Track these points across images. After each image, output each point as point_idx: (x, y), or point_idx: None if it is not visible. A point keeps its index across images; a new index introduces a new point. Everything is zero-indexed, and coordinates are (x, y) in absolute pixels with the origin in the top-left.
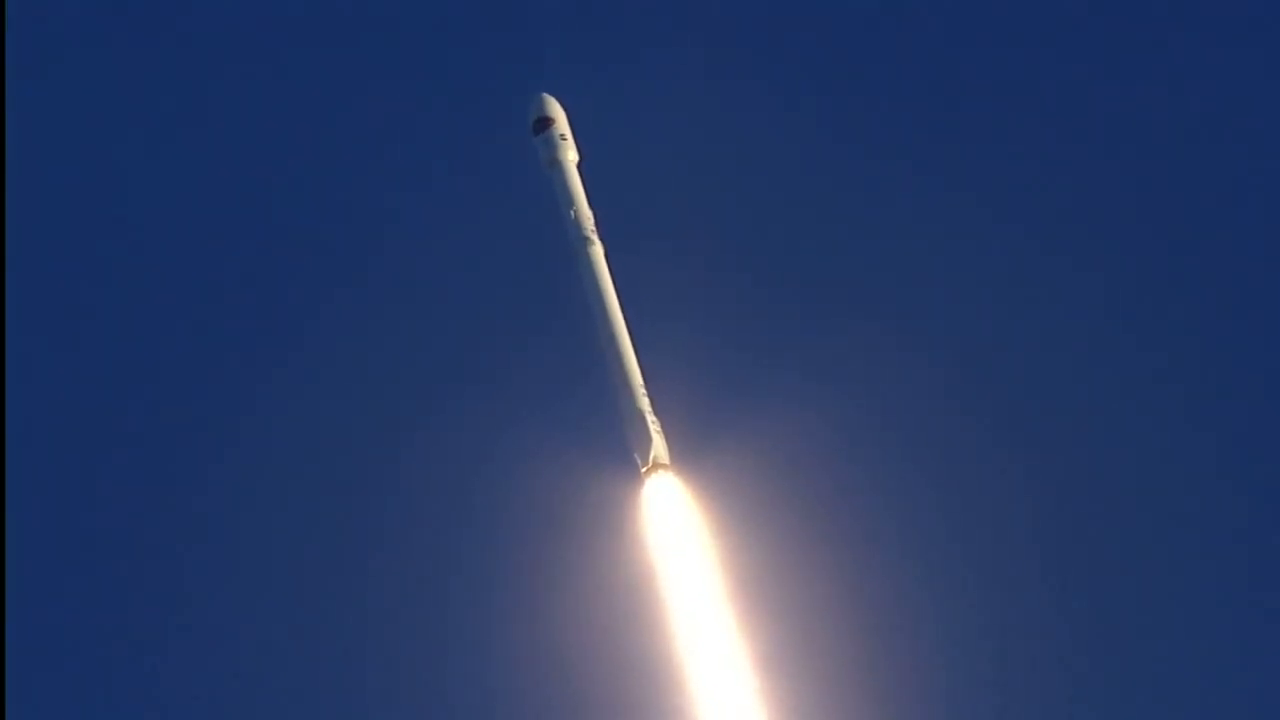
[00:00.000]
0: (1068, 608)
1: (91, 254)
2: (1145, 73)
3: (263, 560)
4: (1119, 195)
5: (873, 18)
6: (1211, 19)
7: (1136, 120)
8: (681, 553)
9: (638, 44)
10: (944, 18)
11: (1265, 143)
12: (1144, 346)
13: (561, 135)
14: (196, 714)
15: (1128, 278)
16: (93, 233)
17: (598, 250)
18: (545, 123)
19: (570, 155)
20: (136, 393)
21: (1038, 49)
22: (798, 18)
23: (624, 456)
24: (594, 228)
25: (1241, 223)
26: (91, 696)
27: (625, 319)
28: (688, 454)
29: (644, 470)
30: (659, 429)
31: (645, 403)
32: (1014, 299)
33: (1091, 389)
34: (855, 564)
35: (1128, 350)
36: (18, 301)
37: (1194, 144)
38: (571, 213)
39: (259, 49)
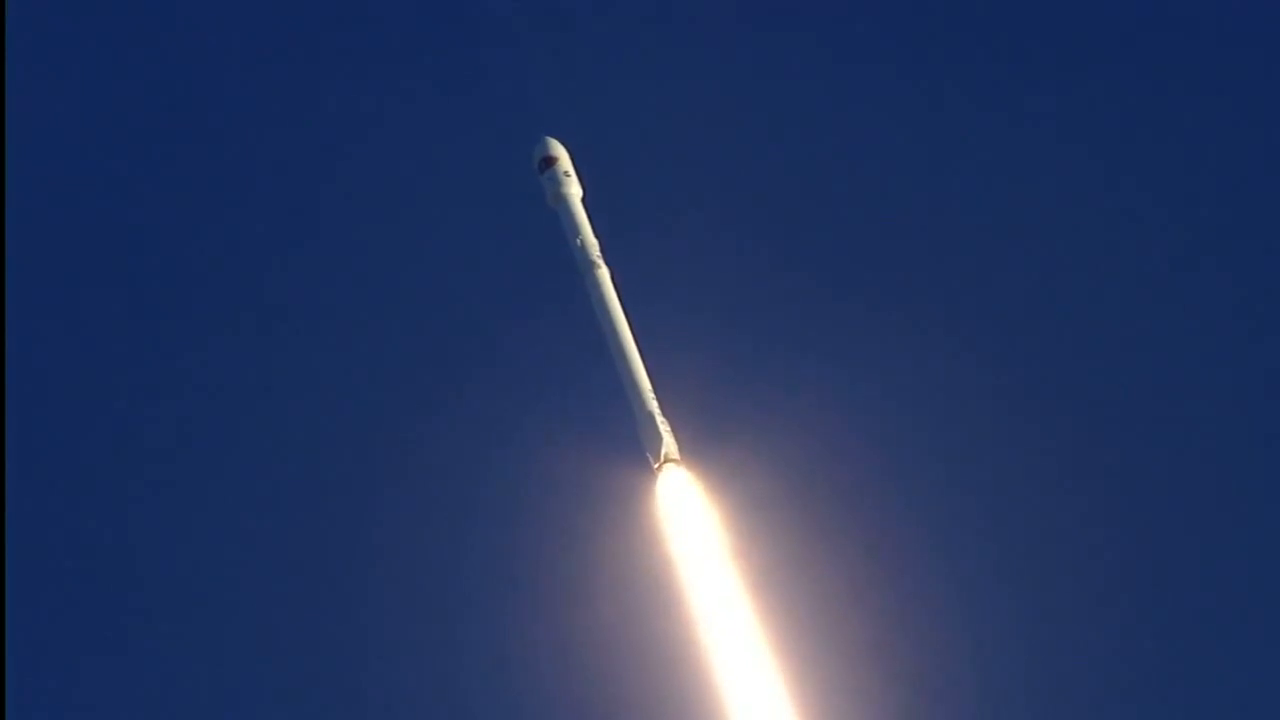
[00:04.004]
0: (1078, 593)
1: (91, 254)
2: (1153, 59)
3: (279, 556)
4: (1127, 184)
5: (859, 26)
6: None
7: (1154, 102)
8: (694, 539)
9: (638, 91)
10: (946, 14)
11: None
12: (1149, 343)
13: (565, 172)
14: (201, 714)
15: (1135, 270)
16: (92, 233)
17: (604, 273)
18: (549, 161)
19: (574, 190)
20: (148, 391)
21: (1042, 40)
22: (783, 51)
23: (638, 455)
24: (600, 253)
25: (1246, 220)
26: (92, 696)
27: (633, 331)
28: (696, 450)
29: (656, 466)
30: (668, 428)
31: (654, 405)
32: (1026, 293)
33: (1101, 384)
34: (863, 550)
35: (1132, 346)
36: (18, 301)
37: (1213, 113)
38: (578, 241)
39: (283, 89)
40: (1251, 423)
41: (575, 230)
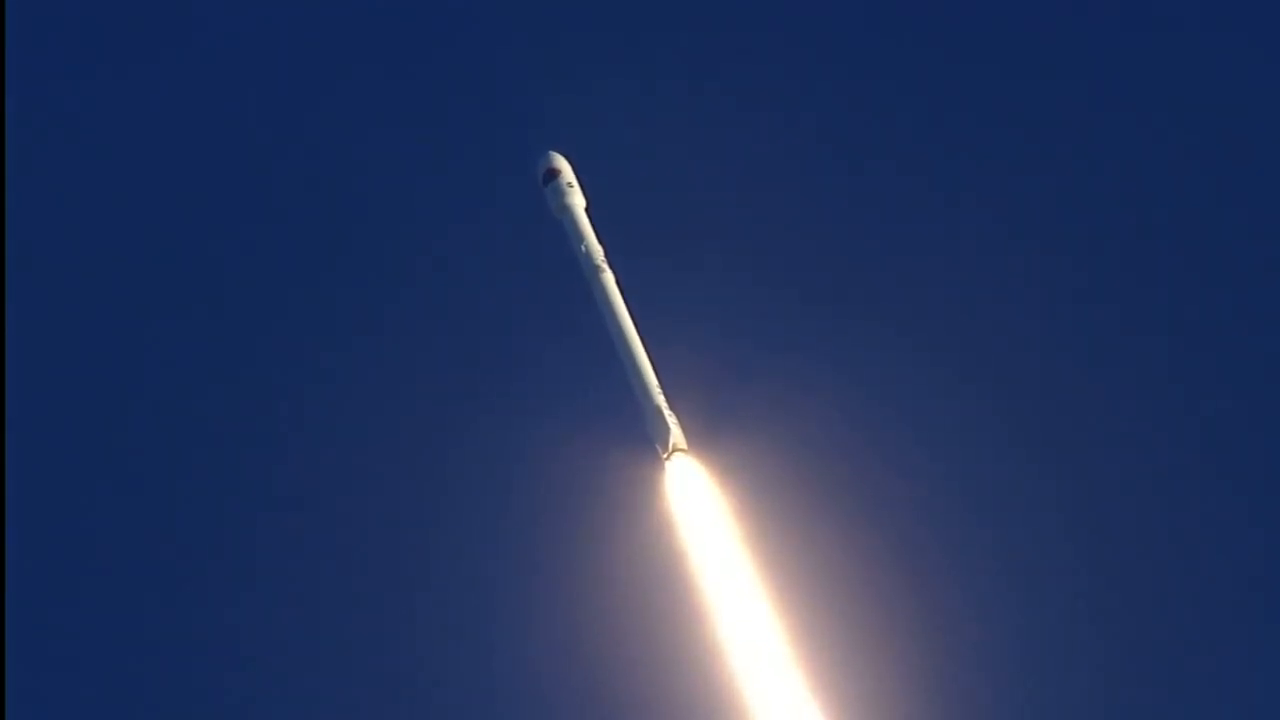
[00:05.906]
0: (1073, 577)
1: (94, 256)
2: (1148, 72)
3: (293, 547)
4: (1124, 196)
5: (866, 29)
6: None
7: (1139, 120)
8: (699, 519)
9: (636, 107)
10: (942, 20)
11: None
12: (1151, 344)
13: (569, 183)
14: (207, 715)
15: (1137, 274)
16: (93, 236)
17: (609, 277)
18: (552, 174)
19: (577, 200)
20: (154, 399)
21: (1038, 50)
22: (779, 66)
23: (647, 446)
24: (604, 258)
25: (1246, 224)
26: (91, 696)
27: (638, 330)
28: (702, 439)
29: (664, 456)
30: (675, 420)
31: (661, 399)
32: (1021, 285)
33: (1094, 374)
34: (867, 534)
35: (1134, 343)
36: (18, 301)
37: (1195, 143)
38: (583, 248)
39: (290, 106)
40: (1244, 424)
41: (580, 238)
